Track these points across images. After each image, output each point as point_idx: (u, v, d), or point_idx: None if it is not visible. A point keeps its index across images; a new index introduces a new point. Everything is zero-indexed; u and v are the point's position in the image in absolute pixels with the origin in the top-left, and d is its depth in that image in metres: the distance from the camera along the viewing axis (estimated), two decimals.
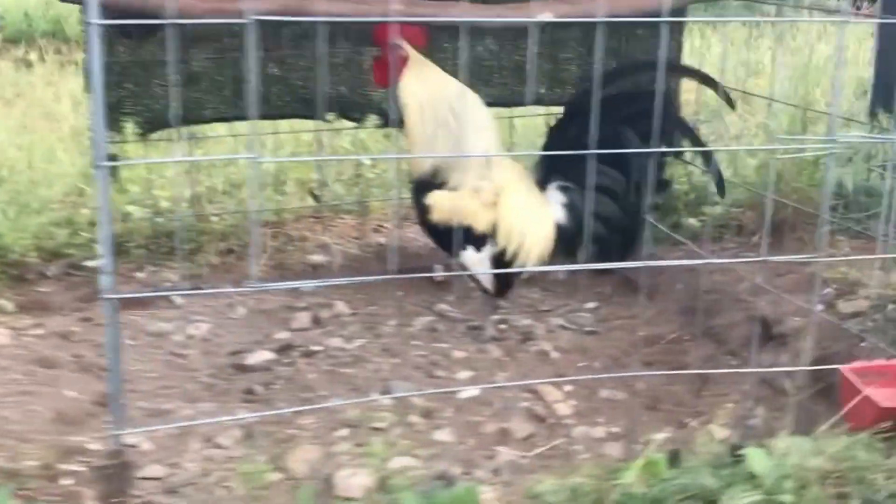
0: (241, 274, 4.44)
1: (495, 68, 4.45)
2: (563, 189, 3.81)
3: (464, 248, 3.72)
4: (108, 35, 3.99)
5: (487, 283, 3.81)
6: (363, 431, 3.17)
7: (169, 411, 3.35)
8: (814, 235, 4.47)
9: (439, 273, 4.29)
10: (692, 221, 4.59)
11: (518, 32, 4.38)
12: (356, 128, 4.47)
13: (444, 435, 3.17)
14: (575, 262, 3.82)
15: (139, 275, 4.44)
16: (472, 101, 3.74)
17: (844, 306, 3.71)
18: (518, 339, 3.91)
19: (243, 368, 3.64)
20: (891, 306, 3.60)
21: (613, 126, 3.63)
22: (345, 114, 4.36)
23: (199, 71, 4.14)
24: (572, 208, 3.78)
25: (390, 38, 3.66)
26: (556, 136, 3.82)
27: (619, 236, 3.81)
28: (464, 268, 3.77)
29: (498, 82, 4.48)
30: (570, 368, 3.69)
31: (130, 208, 4.55)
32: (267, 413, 3.16)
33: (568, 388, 3.51)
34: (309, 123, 4.65)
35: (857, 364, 2.89)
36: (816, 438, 2.69)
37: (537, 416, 3.31)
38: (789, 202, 4.17)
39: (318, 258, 4.58)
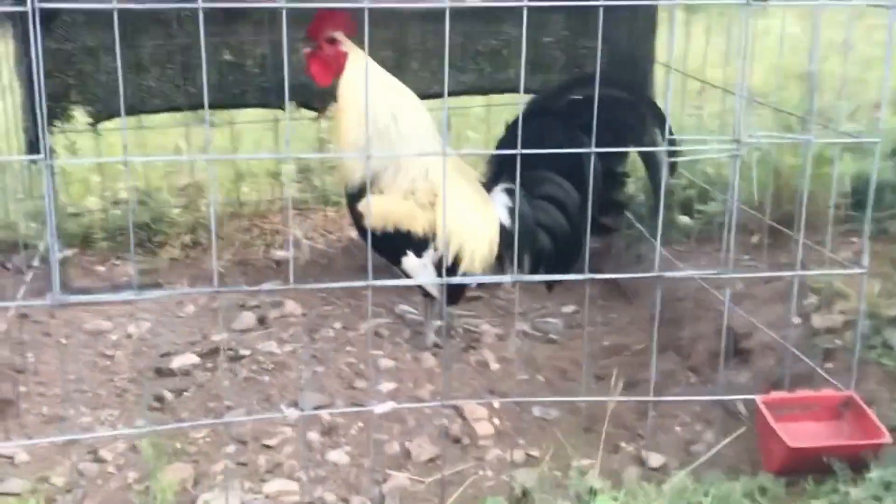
0: (200, 269, 4.27)
1: (470, 53, 4.15)
2: (510, 192, 3.50)
3: (404, 254, 3.45)
4: (51, 20, 3.85)
5: (434, 290, 3.53)
6: (253, 448, 2.95)
7: (67, 418, 3.18)
8: (820, 237, 4.08)
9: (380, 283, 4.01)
10: (686, 219, 4.20)
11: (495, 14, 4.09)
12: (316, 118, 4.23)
13: (339, 455, 2.92)
14: (521, 268, 3.54)
15: (100, 268, 4.31)
16: (411, 103, 3.46)
17: (819, 320, 3.31)
18: (462, 346, 3.62)
19: (164, 373, 3.46)
20: (865, 322, 3.19)
21: (570, 133, 3.32)
22: (305, 103, 4.12)
23: (147, 58, 3.95)
24: (517, 213, 3.48)
25: (326, 31, 3.37)
26: (511, 135, 3.48)
27: (563, 249, 3.51)
28: (406, 276, 3.47)
29: (472, 68, 4.18)
30: (506, 382, 3.39)
31: (90, 201, 4.41)
32: (146, 430, 2.95)
33: (496, 403, 3.22)
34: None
35: (776, 394, 2.53)
36: (708, 480, 2.36)
37: (451, 436, 3.03)
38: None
39: (283, 253, 4.36)
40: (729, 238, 2.31)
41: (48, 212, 2.02)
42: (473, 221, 3.45)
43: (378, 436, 3.02)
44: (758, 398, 2.49)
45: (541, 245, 3.51)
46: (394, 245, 3.42)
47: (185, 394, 3.31)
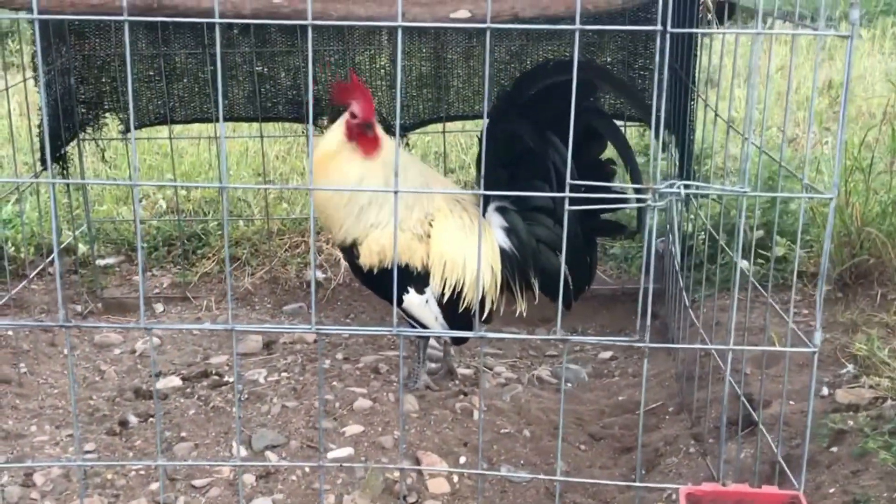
0: (231, 285, 4.14)
1: (518, 72, 3.84)
2: (502, 210, 3.20)
3: (405, 292, 3.17)
4: (81, 29, 3.81)
5: (440, 330, 3.25)
6: (180, 487, 2.77)
7: (25, 436, 3.10)
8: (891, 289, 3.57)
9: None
10: (745, 264, 3.73)
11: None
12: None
13: None
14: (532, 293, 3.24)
15: (136, 278, 4.25)
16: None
17: (843, 394, 2.85)
18: (456, 390, 3.32)
19: (142, 395, 3.34)
20: (890, 402, 2.71)
21: (539, 132, 3.01)
22: (337, 118, 3.91)
23: (180, 67, 3.85)
24: (513, 231, 3.17)
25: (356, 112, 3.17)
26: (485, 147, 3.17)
27: (570, 262, 3.18)
28: (409, 316, 3.19)
29: None
30: (485, 434, 3.07)
31: (125, 210, 4.36)
32: (77, 464, 2.80)
33: (463, 458, 2.92)
34: None
35: (708, 486, 2.13)
36: None
37: (394, 493, 2.75)
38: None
39: (318, 274, 4.18)
40: (645, 304, 1.93)
41: (54, 230, 1.89)
42: (471, 249, 3.15)
43: (319, 485, 2.78)
44: (681, 490, 2.10)
45: (544, 263, 3.20)
46: (392, 283, 3.16)
47: (150, 419, 3.17)
